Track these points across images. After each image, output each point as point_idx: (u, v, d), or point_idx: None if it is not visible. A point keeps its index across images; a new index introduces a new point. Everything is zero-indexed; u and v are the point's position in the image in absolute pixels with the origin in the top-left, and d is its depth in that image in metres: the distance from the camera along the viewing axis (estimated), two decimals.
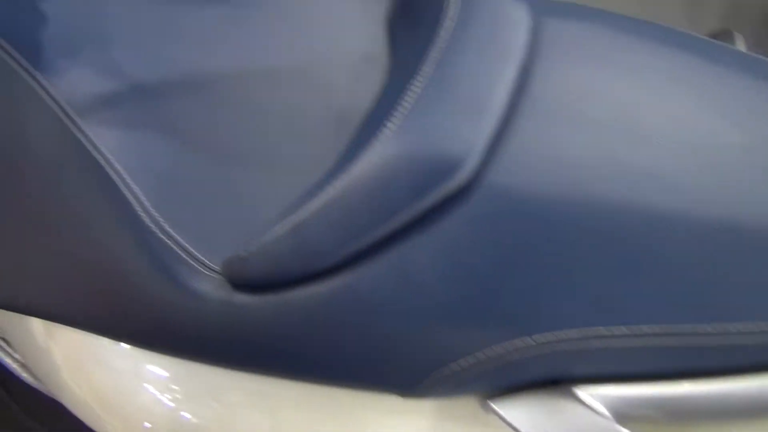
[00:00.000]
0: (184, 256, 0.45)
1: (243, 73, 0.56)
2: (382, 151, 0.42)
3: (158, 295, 0.45)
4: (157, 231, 0.46)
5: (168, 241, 0.46)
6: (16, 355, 0.79)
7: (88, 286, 0.49)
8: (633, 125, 0.46)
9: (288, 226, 0.42)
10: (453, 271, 0.41)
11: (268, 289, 0.43)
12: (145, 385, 0.52)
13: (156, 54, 0.55)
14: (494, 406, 0.44)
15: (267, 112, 0.54)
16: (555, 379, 0.43)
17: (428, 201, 0.41)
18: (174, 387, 0.51)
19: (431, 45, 0.48)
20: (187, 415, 0.51)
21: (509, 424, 0.44)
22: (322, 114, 0.54)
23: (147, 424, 0.52)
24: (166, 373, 0.51)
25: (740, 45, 0.78)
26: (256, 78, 0.56)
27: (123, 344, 0.51)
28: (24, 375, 0.75)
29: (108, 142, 0.49)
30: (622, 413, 0.43)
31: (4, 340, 0.80)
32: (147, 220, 0.47)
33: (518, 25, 0.49)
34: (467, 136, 0.42)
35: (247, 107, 0.54)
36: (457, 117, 0.43)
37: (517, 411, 0.44)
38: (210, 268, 0.45)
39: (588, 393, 0.43)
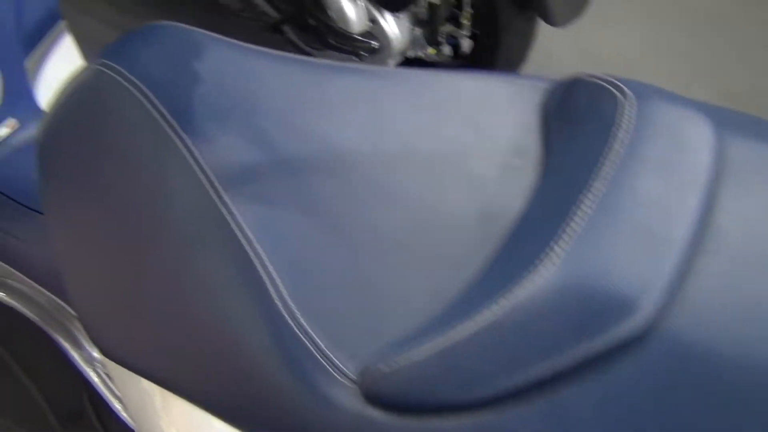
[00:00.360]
0: (318, 357, 0.43)
1: (388, 156, 0.53)
2: (549, 280, 0.38)
3: (284, 391, 0.43)
4: (292, 324, 0.44)
5: (302, 338, 0.43)
6: (118, 393, 0.79)
7: (211, 365, 0.47)
8: None
9: (437, 348, 0.39)
10: (616, 426, 0.37)
11: (406, 411, 0.40)
12: None
13: (304, 128, 0.53)
14: None
15: (410, 200, 0.52)
16: None
17: (596, 344, 0.37)
18: None
19: (603, 158, 0.44)
20: None
21: None
22: (467, 207, 0.51)
23: None
24: None
25: None
26: (401, 161, 0.53)
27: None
28: (124, 414, 0.75)
29: (250, 219, 0.48)
30: None
31: (108, 375, 0.80)
32: (282, 310, 0.44)
33: (701, 144, 0.45)
34: (645, 274, 0.38)
35: (390, 193, 0.52)
36: (634, 250, 0.39)
37: None
38: (344, 374, 0.42)
39: None
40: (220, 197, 0.48)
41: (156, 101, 0.52)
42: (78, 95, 0.58)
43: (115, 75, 0.54)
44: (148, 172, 0.52)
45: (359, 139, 0.54)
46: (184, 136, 0.51)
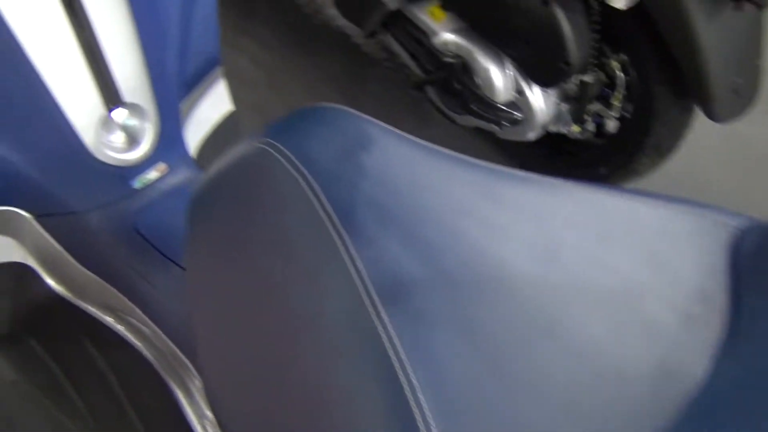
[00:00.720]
0: None
1: (557, 285, 0.49)
2: None
3: None
4: None
5: None
6: None
7: None
8: None
9: None
10: None
11: None
12: None
13: (469, 242, 0.50)
14: None
15: (577, 340, 0.47)
16: None
17: None
18: None
19: None
20: None
21: None
22: (641, 356, 0.46)
23: None
24: None
25: None
26: (570, 293, 0.49)
27: None
28: None
29: (405, 340, 0.44)
30: None
31: None
32: None
33: None
34: None
35: (556, 328, 0.47)
36: None
37: None
38: None
39: None
40: (376, 310, 0.45)
41: (319, 191, 0.50)
42: (238, 169, 0.57)
43: (279, 156, 0.53)
44: (302, 264, 0.49)
45: (527, 261, 0.50)
46: (345, 234, 0.48)
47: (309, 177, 0.51)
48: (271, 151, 0.53)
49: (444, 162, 0.54)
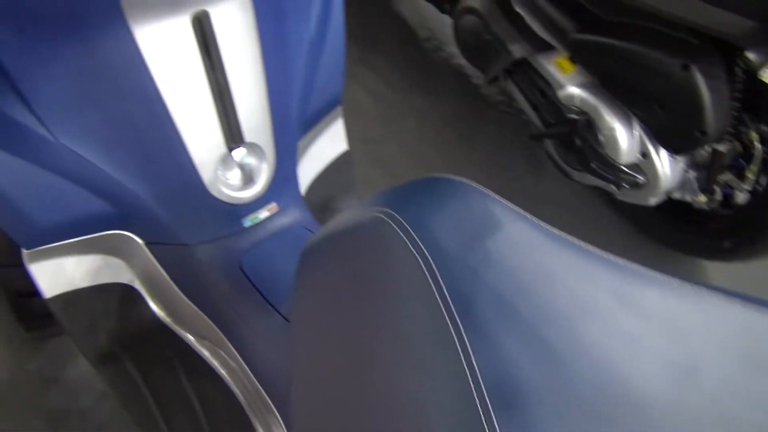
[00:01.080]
0: None
1: (692, 412, 0.44)
2: None
3: None
4: None
5: None
6: None
7: None
8: None
9: None
10: None
11: None
12: None
13: (600, 351, 0.45)
14: None
15: None
16: None
17: None
18: None
19: None
20: None
21: None
22: None
23: None
24: None
25: None
26: (706, 424, 0.43)
27: None
28: None
29: None
30: None
31: None
32: None
33: None
34: None
35: None
36: None
37: None
38: None
39: None
40: (487, 414, 0.41)
41: (437, 275, 0.47)
42: (354, 234, 0.55)
43: (398, 229, 0.50)
44: (410, 348, 0.46)
45: (660, 379, 0.44)
46: (460, 325, 0.45)
47: (428, 257, 0.48)
48: (390, 222, 0.51)
49: (576, 255, 0.50)
